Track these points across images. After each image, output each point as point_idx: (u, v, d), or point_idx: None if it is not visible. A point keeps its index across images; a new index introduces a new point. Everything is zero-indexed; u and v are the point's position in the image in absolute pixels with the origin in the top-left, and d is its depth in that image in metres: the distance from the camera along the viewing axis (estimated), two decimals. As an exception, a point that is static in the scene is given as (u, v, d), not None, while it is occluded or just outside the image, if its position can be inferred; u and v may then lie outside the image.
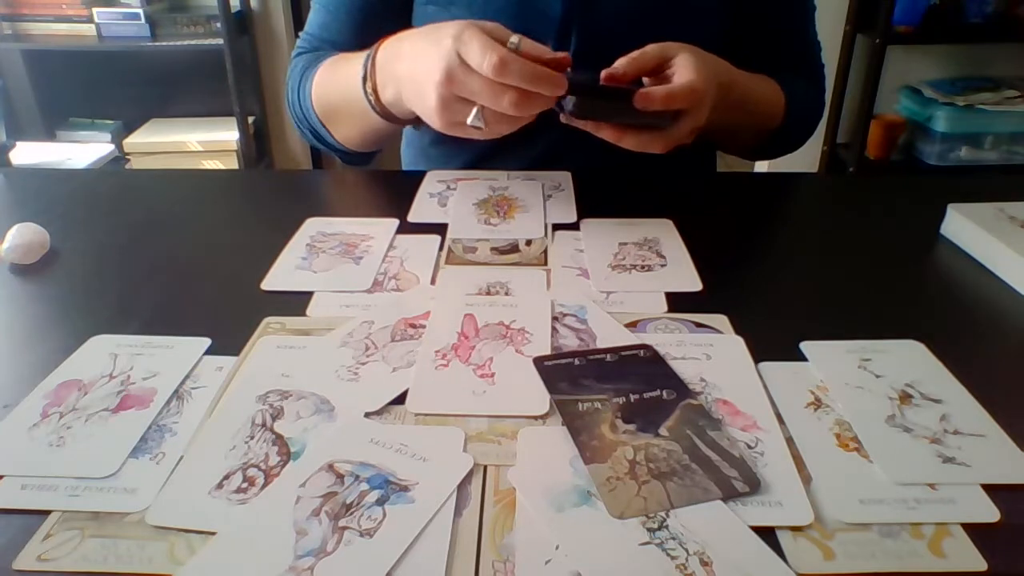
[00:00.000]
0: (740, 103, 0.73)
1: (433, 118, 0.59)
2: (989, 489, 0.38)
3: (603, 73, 0.61)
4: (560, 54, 0.57)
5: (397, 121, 0.71)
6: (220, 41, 2.13)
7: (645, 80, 0.63)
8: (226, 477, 0.39)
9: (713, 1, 0.78)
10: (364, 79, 0.68)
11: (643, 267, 0.60)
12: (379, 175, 0.82)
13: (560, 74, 0.55)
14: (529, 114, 0.57)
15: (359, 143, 0.80)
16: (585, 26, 0.75)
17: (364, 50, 0.69)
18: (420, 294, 0.56)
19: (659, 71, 0.63)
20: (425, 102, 0.59)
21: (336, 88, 0.75)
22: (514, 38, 0.56)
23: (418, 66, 0.59)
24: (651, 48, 0.62)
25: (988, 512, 0.37)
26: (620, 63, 0.61)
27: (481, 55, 0.54)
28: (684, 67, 0.61)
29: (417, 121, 0.68)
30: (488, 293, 0.56)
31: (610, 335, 0.51)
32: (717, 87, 0.63)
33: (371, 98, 0.68)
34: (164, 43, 2.17)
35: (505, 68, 0.53)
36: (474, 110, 0.57)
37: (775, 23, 0.83)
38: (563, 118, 0.61)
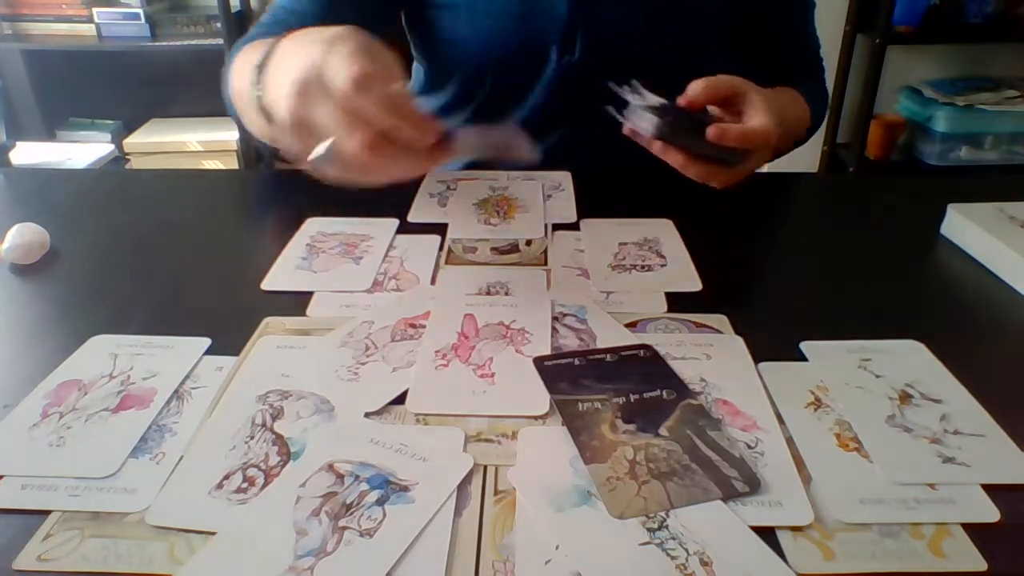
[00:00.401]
0: (785, 130, 0.72)
1: (289, 143, 0.46)
2: (989, 489, 0.38)
3: (681, 100, 0.58)
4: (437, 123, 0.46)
5: None
6: (220, 41, 2.13)
7: (711, 109, 0.60)
8: (226, 477, 0.39)
9: (713, 1, 0.78)
10: (258, 71, 0.52)
11: (643, 267, 0.60)
12: (379, 175, 0.82)
13: (433, 121, 0.44)
14: (387, 169, 0.45)
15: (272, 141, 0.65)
16: (590, 26, 0.75)
17: None
18: (420, 294, 0.56)
19: (728, 104, 0.61)
20: (280, 120, 0.46)
21: (243, 75, 0.58)
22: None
23: (282, 74, 0.46)
24: (723, 79, 0.60)
25: (988, 512, 0.37)
26: (695, 88, 0.58)
27: (343, 66, 0.41)
28: (757, 109, 0.59)
29: None
30: (488, 293, 0.56)
31: (610, 335, 0.51)
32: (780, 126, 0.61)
33: (258, 95, 0.52)
34: (164, 43, 2.17)
35: (366, 84, 0.40)
36: (326, 143, 0.43)
37: (775, 23, 0.84)
38: (627, 131, 0.56)
